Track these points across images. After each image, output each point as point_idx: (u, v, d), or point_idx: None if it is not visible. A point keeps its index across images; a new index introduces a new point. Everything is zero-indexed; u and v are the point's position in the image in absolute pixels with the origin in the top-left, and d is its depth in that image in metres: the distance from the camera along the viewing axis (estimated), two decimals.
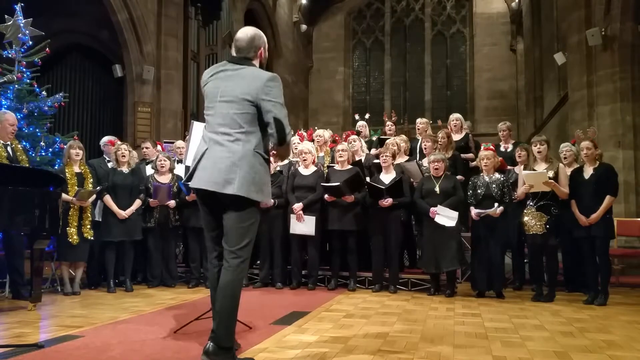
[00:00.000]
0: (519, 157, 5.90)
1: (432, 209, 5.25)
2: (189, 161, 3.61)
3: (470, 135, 7.22)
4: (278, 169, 6.08)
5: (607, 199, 4.94)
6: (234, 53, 2.87)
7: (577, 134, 6.12)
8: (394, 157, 5.86)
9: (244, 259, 2.69)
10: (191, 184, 2.74)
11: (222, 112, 2.71)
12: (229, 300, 2.67)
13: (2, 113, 5.06)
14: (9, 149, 4.95)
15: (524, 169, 5.44)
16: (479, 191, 5.29)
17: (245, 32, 2.85)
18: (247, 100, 2.68)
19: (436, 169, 5.44)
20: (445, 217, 5.19)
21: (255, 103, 2.68)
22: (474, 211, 5.23)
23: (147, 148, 6.56)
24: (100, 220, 5.62)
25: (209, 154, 2.69)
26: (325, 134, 6.80)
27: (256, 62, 2.85)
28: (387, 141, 6.21)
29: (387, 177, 5.64)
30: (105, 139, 6.35)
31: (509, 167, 6.15)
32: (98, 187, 5.43)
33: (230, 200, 2.65)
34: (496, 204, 5.14)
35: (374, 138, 7.59)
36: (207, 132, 2.78)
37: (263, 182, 2.73)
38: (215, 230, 2.82)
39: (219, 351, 2.62)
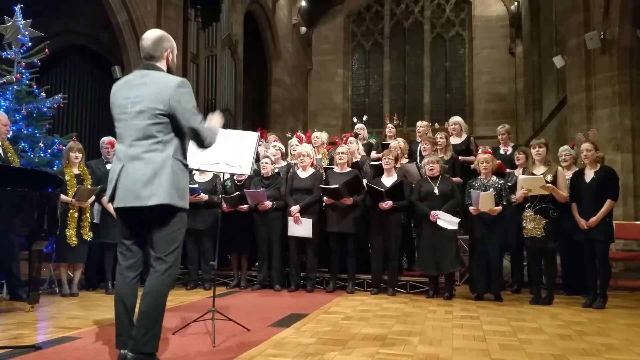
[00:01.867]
0: (518, 160, 5.90)
1: (432, 212, 5.26)
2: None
3: (472, 138, 7.22)
4: (276, 170, 6.09)
5: (608, 202, 4.93)
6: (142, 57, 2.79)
7: (578, 137, 6.12)
8: (396, 160, 5.86)
9: (171, 265, 2.64)
10: (114, 205, 2.66)
11: (136, 123, 2.61)
12: (155, 305, 2.59)
13: None
14: (0, 150, 4.92)
15: (523, 172, 5.44)
16: None
17: (152, 33, 2.78)
18: (158, 110, 2.59)
19: (431, 169, 5.45)
20: (447, 221, 5.19)
21: (168, 112, 2.60)
22: (472, 205, 5.20)
23: None
24: (98, 222, 5.61)
25: (127, 170, 2.60)
26: (323, 135, 6.82)
27: (162, 66, 2.76)
28: (391, 144, 6.21)
29: (388, 179, 5.64)
30: (105, 139, 6.33)
31: (508, 170, 6.16)
32: (98, 187, 5.42)
33: (155, 210, 2.59)
34: (492, 189, 5.15)
35: (372, 141, 7.60)
36: (121, 147, 2.67)
37: (184, 188, 2.69)
38: (130, 239, 2.75)
39: (140, 356, 2.52)
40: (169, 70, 2.80)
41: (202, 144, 2.71)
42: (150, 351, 2.55)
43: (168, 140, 2.63)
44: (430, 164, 5.47)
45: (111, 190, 2.65)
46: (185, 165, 2.74)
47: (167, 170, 2.58)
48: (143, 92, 2.63)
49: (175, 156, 2.64)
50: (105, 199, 2.73)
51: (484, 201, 5.09)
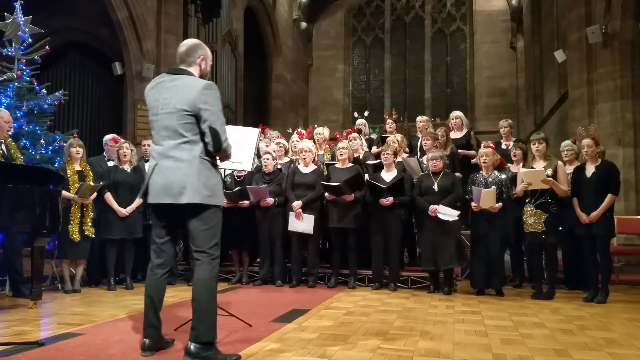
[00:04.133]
0: (514, 156, 5.90)
1: (431, 207, 5.26)
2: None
3: (472, 132, 7.21)
4: (278, 167, 6.08)
5: (608, 197, 4.93)
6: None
7: (578, 132, 6.12)
8: (395, 154, 5.86)
9: (215, 256, 2.77)
10: (148, 201, 2.82)
11: (165, 124, 2.77)
12: (207, 295, 2.72)
13: None
14: (3, 146, 4.91)
15: (524, 166, 5.44)
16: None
17: (188, 41, 2.98)
18: (185, 111, 2.72)
19: (435, 166, 5.44)
20: (446, 214, 5.19)
21: (194, 112, 2.73)
22: (473, 201, 5.20)
23: (149, 145, 6.47)
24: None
25: (159, 168, 2.77)
26: (325, 131, 6.81)
27: (195, 71, 2.90)
28: (388, 139, 6.22)
29: (388, 175, 5.63)
30: (108, 137, 6.34)
31: (507, 165, 6.14)
32: (100, 183, 5.43)
33: (187, 208, 2.73)
34: (494, 187, 5.15)
35: (373, 136, 7.60)
36: (154, 146, 2.85)
37: (215, 186, 2.80)
38: (162, 238, 2.91)
39: (202, 347, 2.65)
40: (202, 77, 2.92)
41: (218, 145, 2.75)
42: (209, 340, 2.67)
43: (196, 140, 2.76)
44: (434, 160, 5.45)
45: (145, 186, 2.84)
46: (214, 165, 2.84)
47: (195, 170, 2.71)
48: (172, 94, 2.77)
49: (202, 156, 2.75)
50: (138, 195, 2.89)
51: (485, 198, 5.08)
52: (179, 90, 2.76)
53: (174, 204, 2.72)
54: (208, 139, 2.74)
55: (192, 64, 2.90)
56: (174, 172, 2.71)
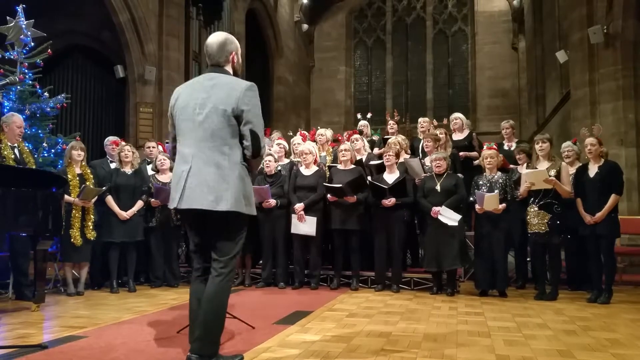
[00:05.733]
0: (519, 159, 5.89)
1: (434, 208, 5.25)
2: None
3: (474, 133, 7.20)
4: (279, 168, 6.09)
5: (612, 197, 4.91)
6: (207, 61, 2.81)
7: (582, 132, 6.10)
8: (397, 156, 5.85)
9: (231, 269, 2.68)
10: (181, 206, 2.61)
11: (203, 125, 2.61)
12: (217, 309, 2.62)
13: (10, 115, 5.07)
14: (16, 150, 4.96)
15: (527, 167, 5.44)
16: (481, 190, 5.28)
17: (216, 37, 2.78)
18: (226, 112, 2.59)
19: (438, 166, 5.44)
20: (448, 217, 5.18)
21: (235, 114, 2.60)
22: (476, 202, 5.19)
23: (153, 147, 6.48)
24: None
25: (194, 172, 2.59)
26: (327, 133, 6.81)
27: (229, 68, 2.78)
28: (389, 140, 6.22)
29: (390, 176, 5.63)
30: (110, 139, 6.35)
31: (511, 166, 6.13)
32: (104, 187, 5.44)
33: (221, 215, 2.59)
34: (497, 191, 5.14)
35: (375, 137, 7.59)
36: (185, 149, 2.66)
37: (250, 193, 2.72)
38: (201, 245, 2.76)
39: (202, 359, 2.56)
40: (235, 72, 2.81)
41: (257, 151, 2.66)
42: (210, 353, 2.59)
43: (235, 145, 2.64)
44: (437, 161, 5.45)
45: (180, 192, 2.60)
46: (250, 171, 2.74)
47: (236, 176, 2.60)
48: (211, 94, 2.63)
49: (242, 162, 2.66)
50: (171, 204, 2.68)
51: (488, 202, 5.09)
52: (220, 91, 2.63)
53: (209, 211, 2.56)
54: (247, 142, 2.62)
55: (224, 63, 2.77)
56: (213, 177, 2.56)
